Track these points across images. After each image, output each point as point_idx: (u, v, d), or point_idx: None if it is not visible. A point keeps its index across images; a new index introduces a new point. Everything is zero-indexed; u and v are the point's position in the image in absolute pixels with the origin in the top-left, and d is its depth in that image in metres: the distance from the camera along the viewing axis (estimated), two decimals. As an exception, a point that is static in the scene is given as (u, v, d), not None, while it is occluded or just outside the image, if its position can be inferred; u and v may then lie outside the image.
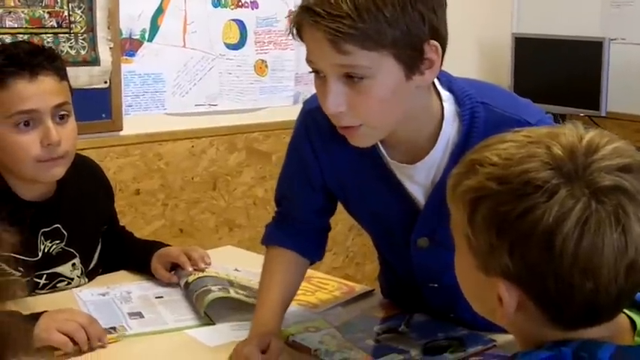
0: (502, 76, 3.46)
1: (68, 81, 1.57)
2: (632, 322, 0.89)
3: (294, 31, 1.15)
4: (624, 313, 0.88)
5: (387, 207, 1.31)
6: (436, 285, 1.36)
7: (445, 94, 1.23)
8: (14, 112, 1.47)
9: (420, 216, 1.28)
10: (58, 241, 1.58)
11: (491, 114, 1.21)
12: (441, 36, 1.13)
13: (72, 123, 1.55)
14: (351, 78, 1.11)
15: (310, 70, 1.16)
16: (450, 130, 1.22)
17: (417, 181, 1.27)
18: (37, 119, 1.48)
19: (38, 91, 1.48)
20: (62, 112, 1.52)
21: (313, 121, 1.32)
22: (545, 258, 0.78)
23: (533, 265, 0.79)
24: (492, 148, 0.86)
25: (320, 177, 1.36)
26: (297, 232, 1.41)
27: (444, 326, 1.38)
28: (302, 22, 1.12)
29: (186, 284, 1.55)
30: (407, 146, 1.24)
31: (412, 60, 1.11)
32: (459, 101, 1.23)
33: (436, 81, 1.22)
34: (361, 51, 1.07)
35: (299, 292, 1.54)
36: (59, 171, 1.53)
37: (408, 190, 1.28)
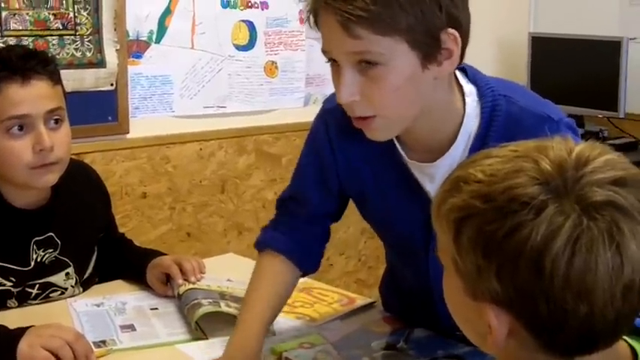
0: (519, 75, 3.39)
1: (62, 85, 1.54)
2: (633, 350, 0.84)
3: (311, 19, 1.12)
4: (624, 340, 0.83)
5: (405, 211, 1.27)
6: None
7: (468, 88, 1.19)
8: (6, 117, 1.44)
9: None
10: (51, 250, 1.56)
11: (513, 107, 1.17)
12: (460, 25, 1.08)
13: (65, 128, 1.52)
14: (364, 65, 1.07)
15: (326, 60, 1.13)
16: (471, 124, 1.18)
17: (438, 181, 1.20)
18: (30, 124, 1.46)
19: (30, 96, 1.45)
20: (55, 117, 1.49)
21: (333, 120, 1.28)
22: (535, 280, 0.72)
23: (523, 288, 0.74)
24: (477, 164, 0.80)
25: (336, 179, 1.32)
26: (297, 237, 1.36)
27: (444, 343, 1.33)
28: (316, 8, 1.09)
29: (179, 295, 1.51)
30: (426, 144, 1.20)
31: (428, 48, 1.07)
32: (481, 94, 1.19)
33: (460, 76, 1.19)
34: (373, 36, 1.04)
35: (297, 303, 1.51)
36: (52, 177, 1.50)
37: (429, 193, 1.23)
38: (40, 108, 1.46)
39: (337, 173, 1.31)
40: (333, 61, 1.11)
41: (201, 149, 2.62)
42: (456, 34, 1.08)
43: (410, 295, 1.42)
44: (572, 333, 0.74)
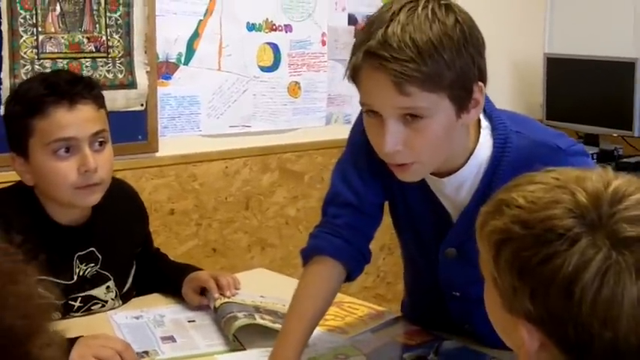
0: (534, 96, 3.46)
1: (106, 108, 1.62)
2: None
3: (350, 73, 1.20)
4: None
5: (422, 214, 1.39)
6: (458, 294, 1.41)
7: (484, 123, 1.29)
8: (53, 139, 1.51)
9: (451, 229, 1.35)
10: (92, 264, 1.63)
11: (523, 141, 1.28)
12: (485, 77, 1.20)
13: (109, 150, 1.59)
14: (409, 118, 1.17)
15: (364, 110, 1.22)
16: (483, 155, 1.29)
17: (445, 194, 1.34)
18: (75, 147, 1.53)
19: (77, 120, 1.52)
20: (100, 139, 1.56)
21: None
22: (565, 305, 0.79)
23: (554, 311, 0.80)
24: (520, 189, 0.87)
25: (374, 178, 1.39)
26: (347, 239, 1.39)
27: (473, 355, 1.39)
28: (363, 66, 1.17)
29: (215, 309, 1.58)
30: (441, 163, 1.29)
31: (463, 100, 1.18)
32: (493, 127, 1.29)
33: None
34: (422, 93, 1.14)
35: (329, 316, 1.57)
36: (95, 197, 1.57)
37: (440, 201, 1.35)
38: (86, 131, 1.53)
39: (374, 170, 1.38)
40: (373, 113, 1.20)
41: (226, 167, 2.70)
42: (483, 85, 1.19)
43: (424, 288, 1.51)
44: (599, 354, 0.80)
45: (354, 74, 1.19)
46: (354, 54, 1.18)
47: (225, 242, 2.72)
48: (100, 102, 1.58)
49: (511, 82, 3.38)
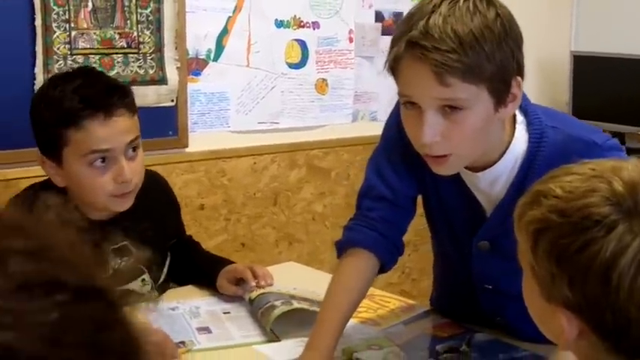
0: (560, 94, 3.46)
1: (137, 111, 1.61)
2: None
3: (389, 65, 1.21)
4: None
5: (455, 208, 1.40)
6: (490, 287, 1.43)
7: (520, 118, 1.31)
8: (89, 151, 1.51)
9: (485, 222, 1.36)
10: (127, 258, 1.65)
11: (559, 136, 1.29)
12: (523, 72, 1.21)
13: (141, 154, 1.60)
14: (448, 109, 1.18)
15: (402, 102, 1.23)
16: (518, 150, 1.30)
17: (480, 188, 1.35)
18: (112, 157, 1.53)
19: (113, 132, 1.51)
20: (133, 146, 1.57)
21: None
22: (603, 292, 0.81)
23: (592, 297, 0.82)
24: (557, 180, 0.89)
25: (408, 170, 1.41)
26: (380, 231, 1.41)
27: (505, 348, 1.41)
28: (404, 56, 1.18)
29: (250, 300, 1.60)
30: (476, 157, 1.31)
31: (501, 94, 1.19)
32: (529, 122, 1.31)
33: None
34: (462, 84, 1.15)
35: (361, 308, 1.58)
36: (129, 202, 1.59)
37: (474, 195, 1.36)
38: (121, 141, 1.53)
39: (408, 164, 1.39)
40: (411, 104, 1.21)
41: (255, 163, 2.72)
42: (521, 80, 1.20)
43: (455, 281, 1.52)
44: (636, 339, 0.82)
45: (395, 65, 1.20)
46: (395, 45, 1.19)
47: (253, 237, 2.75)
48: (133, 108, 1.59)
49: (537, 79, 3.38)
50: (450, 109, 1.18)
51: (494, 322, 1.47)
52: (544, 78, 3.44)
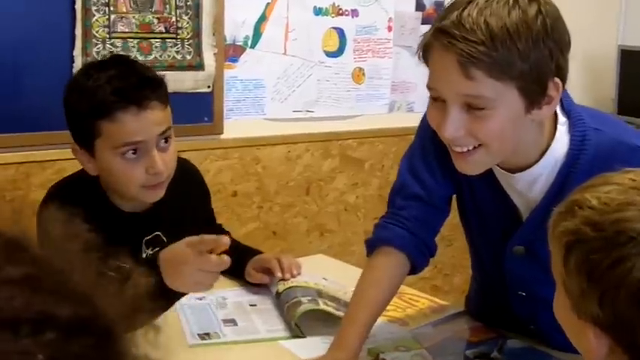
0: (606, 89, 3.37)
1: (169, 101, 1.60)
2: None
3: (421, 53, 1.18)
4: None
5: (491, 210, 1.36)
6: (524, 293, 1.38)
7: (562, 119, 1.25)
8: (122, 143, 1.50)
9: (521, 226, 1.32)
10: (159, 248, 1.65)
11: (603, 138, 1.23)
12: (563, 75, 1.16)
13: (173, 145, 1.59)
14: (471, 107, 1.14)
15: (429, 96, 1.20)
16: (559, 152, 1.25)
17: (516, 190, 1.30)
18: (144, 149, 1.52)
19: (145, 124, 1.51)
20: (165, 137, 1.56)
21: None
22: (635, 310, 0.78)
23: (623, 316, 0.79)
24: (594, 190, 0.85)
25: (441, 168, 1.38)
26: (412, 231, 1.38)
27: (538, 356, 1.37)
28: (434, 44, 1.15)
29: (277, 294, 1.59)
30: (509, 160, 1.26)
31: (535, 95, 1.14)
32: (571, 124, 1.25)
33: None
34: (488, 79, 1.10)
35: (390, 307, 1.55)
36: (161, 192, 1.58)
37: (511, 198, 1.32)
38: (153, 133, 1.52)
39: (443, 163, 1.36)
40: (437, 99, 1.17)
41: (289, 152, 2.70)
42: (560, 83, 1.14)
43: (489, 286, 1.49)
44: None
45: (425, 52, 1.17)
46: (429, 30, 1.16)
47: (285, 226, 2.73)
48: (165, 100, 1.57)
49: (582, 74, 3.29)
50: (475, 108, 1.14)
51: (528, 329, 1.42)
52: (589, 73, 3.35)
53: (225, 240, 1.36)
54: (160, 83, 1.57)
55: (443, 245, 3.06)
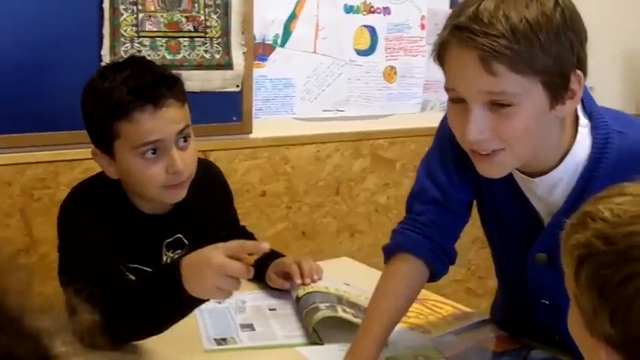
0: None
1: (187, 99, 1.59)
2: None
3: (436, 54, 1.14)
4: None
5: (511, 216, 1.32)
6: (547, 302, 1.34)
7: (584, 121, 1.21)
8: (140, 143, 1.49)
9: (542, 232, 1.27)
10: (180, 251, 1.63)
11: (627, 141, 1.18)
12: (584, 67, 1.12)
13: (193, 143, 1.57)
14: (495, 105, 1.09)
15: (449, 97, 1.16)
16: (580, 155, 1.20)
17: (537, 194, 1.26)
18: (163, 147, 1.51)
19: (163, 122, 1.49)
20: (184, 135, 1.55)
21: None
22: None
23: (635, 334, 0.74)
24: (608, 201, 0.81)
25: (459, 171, 1.34)
26: (430, 236, 1.35)
27: (560, 366, 1.32)
28: (451, 42, 1.10)
29: (297, 299, 1.57)
30: (528, 163, 1.22)
31: (558, 89, 1.10)
32: (593, 126, 1.20)
33: (578, 106, 1.20)
34: (511, 74, 1.06)
35: (411, 313, 1.52)
36: (182, 193, 1.57)
37: (531, 203, 1.27)
38: (172, 131, 1.51)
39: (462, 167, 1.32)
40: (457, 100, 1.13)
41: (318, 151, 2.68)
42: (582, 75, 1.10)
43: (513, 295, 1.45)
44: None
45: (441, 52, 1.13)
46: (444, 29, 1.12)
47: (314, 226, 2.71)
48: (182, 97, 1.56)
49: (622, 74, 3.19)
50: (499, 105, 1.09)
51: (554, 339, 1.38)
52: (628, 74, 3.24)
53: (265, 246, 1.32)
54: (176, 81, 1.56)
55: (477, 247, 3.03)
